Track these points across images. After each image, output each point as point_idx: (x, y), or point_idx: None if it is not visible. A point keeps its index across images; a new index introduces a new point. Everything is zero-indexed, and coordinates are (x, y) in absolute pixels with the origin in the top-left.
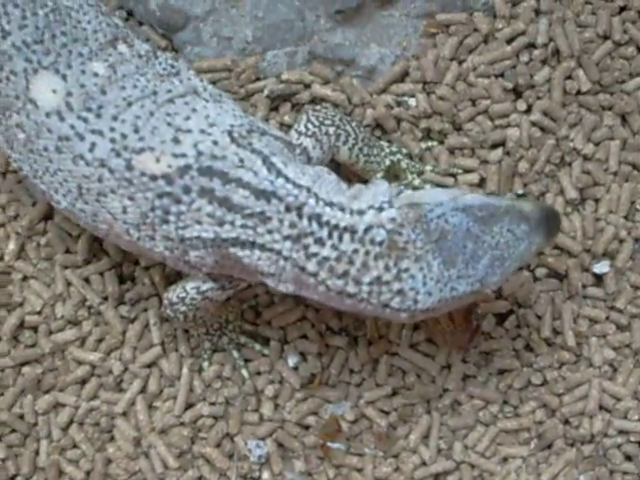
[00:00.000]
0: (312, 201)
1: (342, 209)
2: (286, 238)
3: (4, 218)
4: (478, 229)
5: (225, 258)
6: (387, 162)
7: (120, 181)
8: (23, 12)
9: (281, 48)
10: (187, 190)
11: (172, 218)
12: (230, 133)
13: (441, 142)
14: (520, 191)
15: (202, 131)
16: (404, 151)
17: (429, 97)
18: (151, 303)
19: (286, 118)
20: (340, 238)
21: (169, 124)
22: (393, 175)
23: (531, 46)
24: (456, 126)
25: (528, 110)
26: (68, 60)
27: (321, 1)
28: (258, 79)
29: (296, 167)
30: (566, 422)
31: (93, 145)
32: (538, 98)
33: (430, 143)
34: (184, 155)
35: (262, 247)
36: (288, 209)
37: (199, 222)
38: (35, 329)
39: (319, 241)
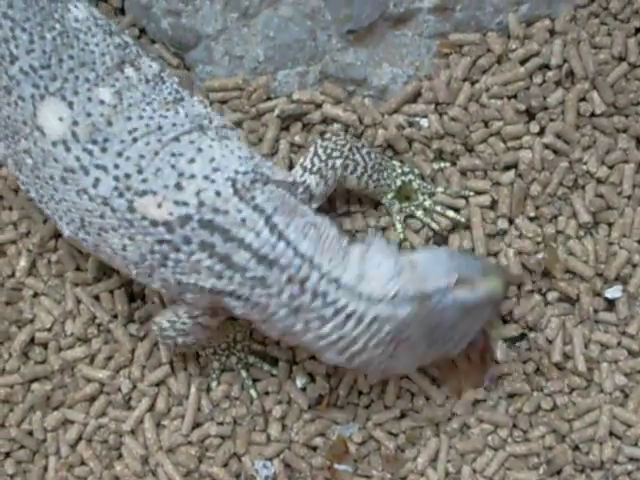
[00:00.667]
0: (315, 275)
1: (350, 291)
2: (283, 306)
3: (16, 235)
4: (462, 320)
5: (217, 303)
6: (398, 182)
7: (121, 221)
8: (31, 36)
9: (292, 68)
10: (187, 241)
11: (170, 264)
12: (234, 183)
13: (453, 163)
14: (532, 214)
15: (205, 177)
16: (416, 172)
17: (441, 118)
18: None
19: (297, 138)
20: (345, 322)
21: (173, 166)
22: (404, 196)
23: (545, 67)
24: (468, 147)
25: (541, 132)
26: (75, 86)
27: (333, 21)
28: (269, 98)
29: (296, 227)
30: (576, 448)
31: (97, 181)
32: (551, 120)
33: (442, 164)
34: (186, 204)
35: (256, 304)
36: (290, 280)
37: (197, 272)
38: (45, 346)
39: (321, 319)
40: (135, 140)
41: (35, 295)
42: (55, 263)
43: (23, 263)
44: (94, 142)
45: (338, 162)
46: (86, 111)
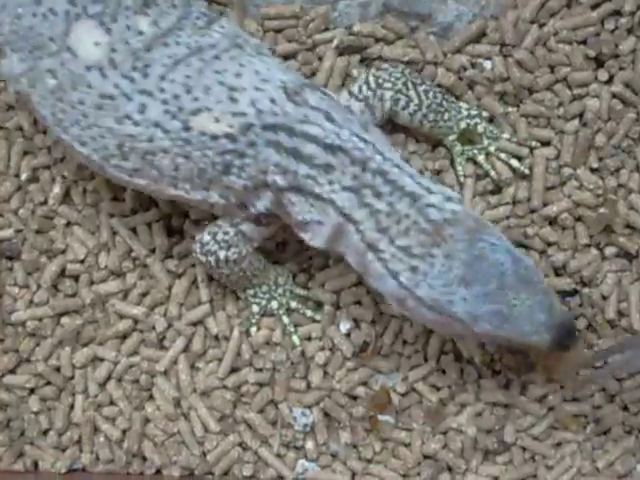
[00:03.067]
0: (379, 157)
1: (411, 176)
2: (345, 189)
3: (49, 160)
4: (511, 281)
5: (278, 202)
6: (463, 125)
7: (175, 141)
8: None
9: None
10: (252, 144)
11: (235, 170)
12: (285, 89)
13: (517, 106)
14: (595, 165)
15: (256, 88)
16: (484, 114)
17: (506, 60)
18: None
19: (354, 72)
20: (400, 199)
21: (221, 83)
22: (467, 139)
23: (617, 13)
24: (532, 92)
25: (609, 81)
26: (115, 12)
27: None
28: (327, 29)
29: (356, 124)
30: (625, 408)
31: (143, 106)
32: (621, 69)
33: (509, 109)
34: (244, 114)
35: (317, 197)
36: (353, 162)
37: (264, 172)
38: (76, 278)
39: (377, 195)
40: (177, 63)
41: (68, 224)
42: (90, 192)
43: (57, 190)
44: (134, 69)
45: (388, 94)
46: (124, 38)
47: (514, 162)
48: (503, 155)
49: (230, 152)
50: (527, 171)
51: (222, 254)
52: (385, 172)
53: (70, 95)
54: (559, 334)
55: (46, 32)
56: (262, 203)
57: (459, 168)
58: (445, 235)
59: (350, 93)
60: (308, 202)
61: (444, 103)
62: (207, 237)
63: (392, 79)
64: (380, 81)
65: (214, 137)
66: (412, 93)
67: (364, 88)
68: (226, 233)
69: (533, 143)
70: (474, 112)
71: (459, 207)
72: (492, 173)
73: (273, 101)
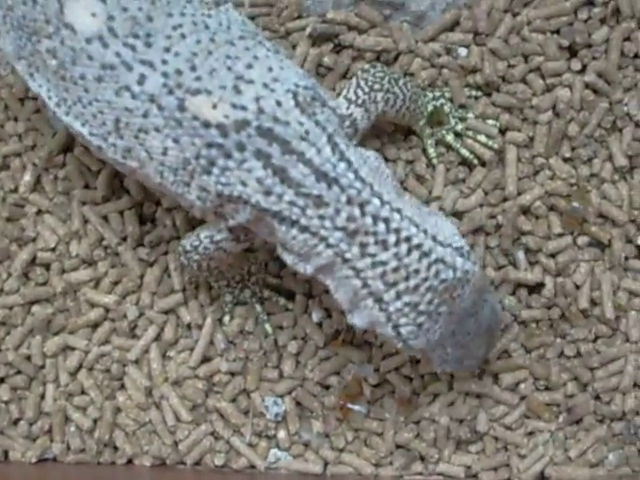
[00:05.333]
0: (377, 201)
1: (416, 225)
2: (338, 229)
3: (21, 147)
4: (481, 332)
5: (259, 220)
6: (430, 107)
7: (168, 120)
8: None
9: None
10: (241, 147)
11: (216, 171)
12: (295, 95)
13: (488, 95)
14: (567, 154)
15: (265, 85)
16: (447, 95)
17: (479, 49)
18: (172, 247)
19: (326, 59)
20: (409, 252)
21: (229, 68)
22: (436, 121)
23: (590, 3)
24: (505, 81)
25: (582, 70)
26: None
27: None
28: (300, 17)
29: (356, 153)
30: (597, 397)
31: (142, 77)
32: (594, 58)
33: (475, 92)
34: (244, 108)
35: (304, 229)
36: (349, 201)
37: (244, 184)
38: (47, 267)
39: (382, 243)
40: (183, 36)
41: (39, 212)
42: (62, 179)
43: (27, 178)
44: (136, 36)
45: (380, 95)
46: (122, 5)
47: (482, 138)
48: (471, 133)
49: (217, 147)
50: (496, 146)
51: (204, 263)
52: (387, 219)
53: (72, 71)
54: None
55: (40, 16)
56: (241, 216)
57: (430, 150)
58: (454, 295)
59: (349, 100)
60: (291, 233)
61: (417, 91)
62: (189, 247)
63: (378, 79)
64: (370, 83)
65: (206, 124)
66: (397, 89)
67: (360, 92)
68: (206, 248)
69: (499, 124)
70: (438, 94)
71: (470, 264)
72: (462, 151)
73: (279, 104)
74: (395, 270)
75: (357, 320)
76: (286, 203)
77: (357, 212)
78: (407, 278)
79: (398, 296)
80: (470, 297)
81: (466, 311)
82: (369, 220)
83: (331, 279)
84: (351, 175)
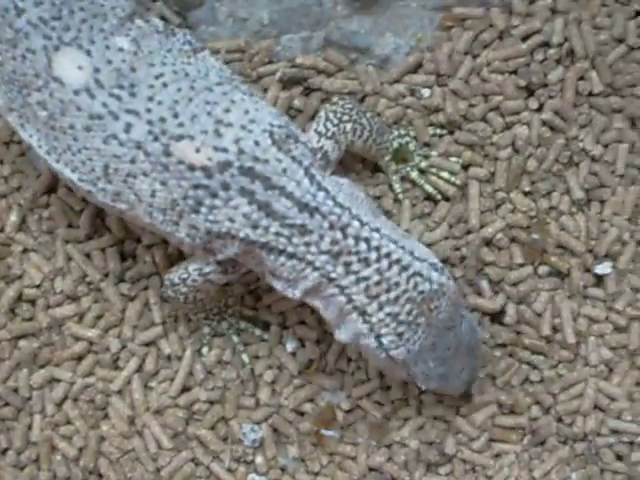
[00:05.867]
0: (356, 223)
1: (394, 242)
2: (323, 253)
3: (6, 189)
4: (462, 349)
5: (247, 253)
6: (395, 145)
7: (155, 165)
8: None
9: (296, 32)
10: (225, 187)
11: (204, 210)
12: (271, 134)
13: (451, 133)
14: (527, 188)
15: (243, 127)
16: (412, 134)
17: (442, 89)
18: (152, 282)
19: (296, 102)
20: (389, 267)
21: (209, 113)
22: (401, 158)
23: (546, 45)
24: (467, 120)
25: (539, 109)
26: (90, 35)
27: None
28: (271, 62)
29: (331, 181)
30: (560, 420)
31: (128, 126)
32: (550, 97)
33: (439, 131)
34: (225, 150)
35: (291, 256)
36: (332, 227)
37: (232, 220)
38: (33, 303)
39: (364, 261)
40: (165, 85)
41: (25, 251)
42: (46, 219)
43: (13, 218)
44: (121, 87)
45: (349, 126)
46: (106, 58)
47: (445, 174)
48: (434, 169)
49: (203, 187)
50: (458, 182)
51: (191, 296)
52: (367, 239)
53: (61, 122)
54: (468, 387)
55: (29, 70)
56: (230, 250)
57: (396, 186)
58: (431, 307)
59: (319, 133)
60: (279, 260)
61: (383, 126)
62: (177, 280)
63: (346, 110)
64: (339, 115)
65: (191, 167)
66: (364, 121)
67: (329, 125)
68: (194, 280)
69: (462, 160)
70: (403, 132)
71: (444, 278)
72: (426, 187)
73: (257, 144)
74: (377, 284)
75: (343, 334)
76: (273, 235)
77: (339, 235)
78: (388, 290)
79: (380, 307)
80: (446, 310)
81: (444, 324)
82: (351, 241)
83: (319, 300)
84: (330, 202)
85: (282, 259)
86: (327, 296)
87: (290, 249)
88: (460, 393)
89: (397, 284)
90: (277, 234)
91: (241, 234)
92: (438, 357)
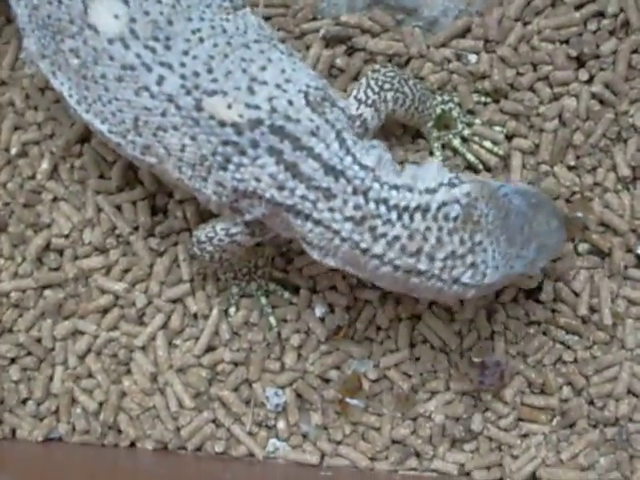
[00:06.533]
0: (377, 185)
1: (410, 190)
2: (347, 219)
3: (39, 136)
4: (531, 214)
5: (275, 215)
6: (438, 111)
7: (186, 119)
8: None
9: None
10: (255, 144)
11: (231, 167)
12: (306, 95)
13: (496, 101)
14: (572, 163)
15: (278, 86)
16: (456, 100)
17: (489, 56)
18: (182, 238)
19: (338, 61)
20: (411, 218)
21: (244, 70)
22: (443, 124)
23: (600, 15)
24: (513, 89)
25: (589, 81)
26: None
27: None
28: (315, 19)
29: (362, 147)
30: (591, 403)
31: (161, 78)
32: (601, 69)
33: (484, 98)
34: (257, 107)
35: (317, 222)
36: (355, 191)
37: (258, 179)
38: (61, 252)
39: (388, 222)
40: (201, 40)
41: (55, 200)
42: (78, 169)
43: (45, 166)
44: (156, 39)
45: (390, 95)
46: (143, 9)
47: (487, 144)
48: (477, 138)
49: (232, 144)
50: (501, 152)
51: (217, 255)
52: (386, 199)
53: (93, 70)
54: (565, 226)
55: (64, 16)
56: (257, 210)
57: (437, 153)
58: (475, 220)
59: (359, 100)
60: (307, 226)
61: (426, 92)
62: (203, 238)
63: (388, 79)
64: (380, 83)
65: (222, 123)
66: (407, 89)
67: (370, 92)
68: (221, 240)
69: (506, 130)
70: (447, 98)
71: (466, 186)
72: (468, 156)
73: (291, 103)
74: (411, 238)
75: (426, 296)
76: (299, 197)
77: (362, 200)
78: (426, 239)
79: (432, 258)
80: (490, 207)
81: (499, 219)
82: (372, 205)
83: (366, 273)
84: (356, 167)
85: (309, 225)
86: (372, 269)
87: (315, 215)
88: (565, 239)
89: (429, 228)
90: (303, 197)
91: (267, 194)
92: (522, 242)
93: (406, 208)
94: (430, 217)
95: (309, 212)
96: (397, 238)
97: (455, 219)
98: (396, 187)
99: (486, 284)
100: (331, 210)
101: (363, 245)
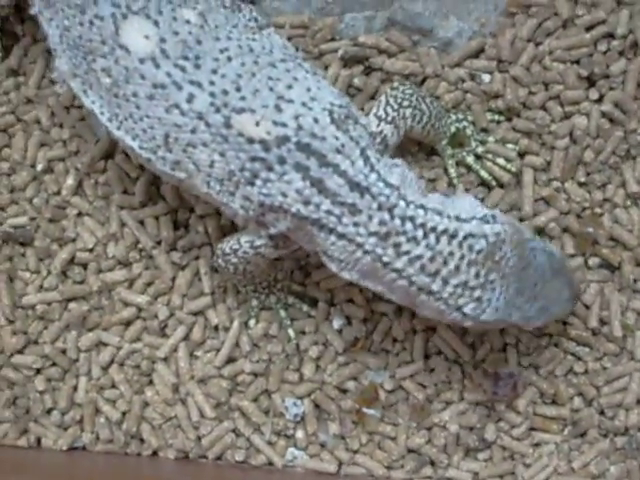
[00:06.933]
0: (402, 203)
1: (439, 213)
2: (372, 234)
3: (65, 152)
4: (548, 276)
5: (300, 229)
6: (452, 129)
7: (215, 136)
8: None
9: (360, 11)
10: (282, 161)
11: (259, 182)
12: (330, 113)
13: (509, 120)
14: (582, 179)
15: (303, 104)
16: (470, 118)
17: (502, 76)
18: (203, 252)
19: (356, 81)
20: (437, 240)
21: (271, 89)
22: (457, 142)
23: (610, 36)
24: (526, 108)
25: (599, 100)
26: (158, 6)
27: None
28: (333, 39)
29: (385, 164)
30: (602, 413)
31: (191, 96)
32: (611, 89)
33: (497, 117)
34: (284, 125)
35: (341, 236)
36: (380, 207)
37: (284, 194)
38: (85, 266)
39: (412, 240)
40: (230, 59)
41: (79, 215)
42: (102, 184)
43: (70, 182)
44: (185, 58)
45: (408, 112)
46: (173, 29)
47: (501, 161)
48: (490, 155)
49: (260, 160)
50: (514, 169)
51: (241, 267)
52: (412, 217)
53: (125, 89)
54: (575, 300)
55: (96, 37)
56: (283, 224)
57: (451, 170)
58: (496, 259)
59: (379, 118)
60: (330, 239)
61: (441, 110)
62: (228, 250)
63: (407, 96)
64: (399, 100)
65: (250, 140)
66: (424, 106)
67: (389, 110)
68: (245, 252)
69: (519, 147)
70: (461, 116)
71: (498, 226)
72: (481, 172)
73: (316, 121)
74: (432, 260)
75: (427, 314)
76: (324, 212)
77: (387, 216)
78: (446, 263)
79: (445, 282)
80: (514, 253)
81: (518, 267)
82: (398, 222)
83: (381, 285)
84: (381, 184)
85: (332, 238)
86: (388, 282)
87: (340, 229)
88: (570, 312)
89: (451, 254)
90: (328, 212)
91: (293, 209)
92: (529, 297)
93: (433, 229)
94: (456, 243)
95: (334, 226)
96: (419, 257)
97: (478, 252)
98: (423, 207)
99: (481, 320)
100: (356, 225)
101: (385, 259)
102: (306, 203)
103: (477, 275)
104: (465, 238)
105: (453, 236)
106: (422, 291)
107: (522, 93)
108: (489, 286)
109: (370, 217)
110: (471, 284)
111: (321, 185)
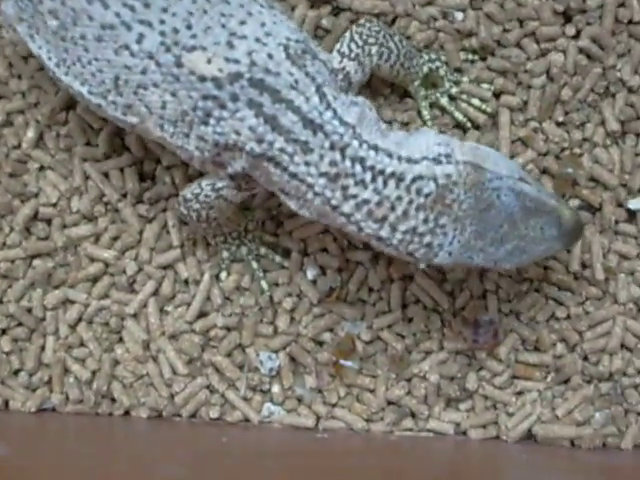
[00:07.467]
0: (356, 143)
1: (389, 155)
2: (322, 175)
3: (24, 104)
4: (519, 216)
5: (256, 168)
6: (425, 69)
7: (166, 76)
8: None
9: None
10: (234, 98)
11: (212, 121)
12: (286, 48)
13: (483, 59)
14: (560, 118)
15: (257, 40)
16: (443, 59)
17: (476, 13)
18: (171, 204)
19: (324, 22)
20: (385, 183)
21: (223, 26)
22: (430, 83)
23: None
24: (500, 46)
25: (576, 36)
26: None
27: None
28: None
29: (343, 102)
30: (585, 358)
31: (141, 36)
32: (588, 24)
33: (471, 56)
34: (237, 62)
35: (293, 175)
36: (332, 147)
37: (238, 132)
38: (49, 222)
39: (360, 183)
40: None
41: (41, 168)
42: (64, 136)
43: (30, 134)
44: None
45: (374, 49)
46: None
47: (475, 101)
48: (465, 96)
49: (212, 98)
50: (489, 109)
51: (204, 213)
52: (363, 158)
53: (72, 31)
54: (569, 238)
55: None
56: (239, 163)
57: (425, 112)
58: (447, 203)
59: (342, 54)
60: (284, 177)
61: (412, 50)
62: (189, 195)
63: (373, 33)
64: (364, 37)
65: (202, 78)
66: (392, 44)
67: (353, 46)
68: (207, 196)
69: (493, 87)
70: (434, 56)
71: (450, 167)
72: (456, 114)
73: (270, 57)
74: (379, 205)
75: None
76: (277, 150)
77: (338, 157)
78: (393, 208)
79: (394, 229)
80: (469, 195)
81: (475, 209)
82: (348, 163)
83: (334, 225)
84: (335, 122)
85: (286, 177)
86: (341, 224)
87: (292, 168)
88: (566, 248)
89: (399, 198)
90: (281, 149)
91: (247, 147)
92: (493, 239)
93: (381, 172)
94: (403, 187)
95: (287, 165)
96: (366, 202)
97: (427, 196)
98: (376, 148)
99: (436, 263)
100: (307, 164)
101: (333, 202)
102: (259, 141)
103: (426, 220)
104: (413, 181)
105: (400, 179)
106: (372, 237)
107: (496, 30)
108: (439, 231)
109: (321, 157)
110: (420, 230)
111: (275, 122)
